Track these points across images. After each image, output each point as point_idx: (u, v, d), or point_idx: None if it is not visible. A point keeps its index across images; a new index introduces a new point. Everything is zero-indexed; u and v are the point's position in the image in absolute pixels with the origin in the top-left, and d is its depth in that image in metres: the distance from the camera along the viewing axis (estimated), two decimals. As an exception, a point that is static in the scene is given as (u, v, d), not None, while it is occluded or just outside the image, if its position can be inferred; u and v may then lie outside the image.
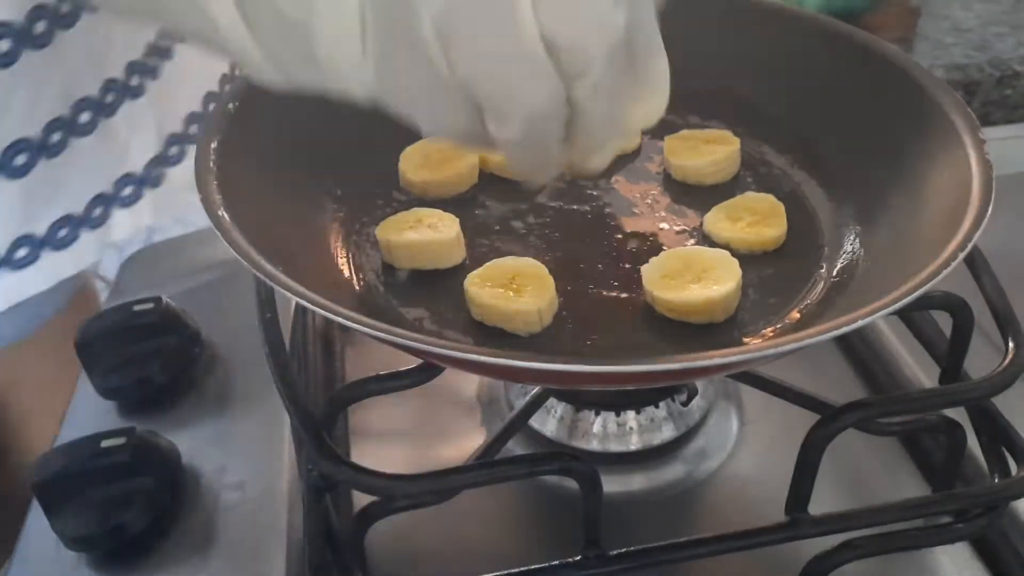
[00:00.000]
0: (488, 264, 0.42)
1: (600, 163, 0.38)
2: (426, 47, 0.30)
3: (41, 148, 0.59)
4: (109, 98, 0.62)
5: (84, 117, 0.61)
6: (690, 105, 0.52)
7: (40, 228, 0.61)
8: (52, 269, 0.62)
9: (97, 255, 0.65)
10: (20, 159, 0.58)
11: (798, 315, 0.41)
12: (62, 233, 0.62)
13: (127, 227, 0.67)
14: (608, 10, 0.31)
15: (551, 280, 0.41)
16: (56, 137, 0.60)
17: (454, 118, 0.33)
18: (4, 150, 0.57)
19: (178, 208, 0.71)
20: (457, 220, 0.44)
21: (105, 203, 0.65)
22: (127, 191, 0.66)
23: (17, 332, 0.66)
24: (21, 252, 0.60)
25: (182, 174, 0.70)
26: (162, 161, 0.69)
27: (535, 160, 0.36)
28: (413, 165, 0.49)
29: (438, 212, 0.45)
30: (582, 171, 0.39)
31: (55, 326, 0.68)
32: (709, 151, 0.49)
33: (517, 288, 0.40)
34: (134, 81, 0.64)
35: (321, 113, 0.48)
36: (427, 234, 0.44)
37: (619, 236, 0.45)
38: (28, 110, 0.57)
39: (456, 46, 0.30)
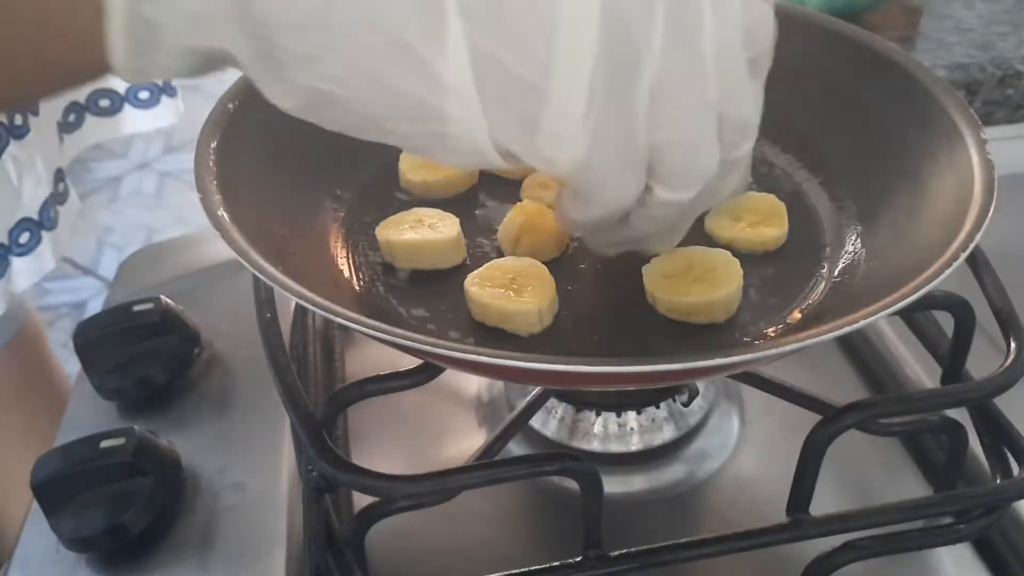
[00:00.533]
0: (488, 264, 0.42)
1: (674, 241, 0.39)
2: (636, 111, 0.30)
3: None
4: None
5: None
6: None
7: None
8: None
9: (1, 309, 0.64)
10: None
11: (799, 315, 0.41)
12: None
13: (28, 276, 0.65)
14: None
15: (551, 280, 0.41)
16: None
17: (634, 188, 0.33)
18: None
19: (69, 248, 0.69)
20: (457, 220, 0.44)
21: (2, 253, 0.63)
22: (23, 238, 0.64)
23: None
24: None
25: (66, 213, 0.69)
26: (55, 198, 0.67)
27: (663, 232, 0.36)
28: (413, 165, 0.48)
29: (438, 212, 0.45)
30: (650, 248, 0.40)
31: None
32: None
33: (517, 288, 0.40)
34: (17, 120, 0.62)
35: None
36: (427, 234, 0.43)
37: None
38: None
39: (662, 110, 0.30)
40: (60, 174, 0.68)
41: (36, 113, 0.64)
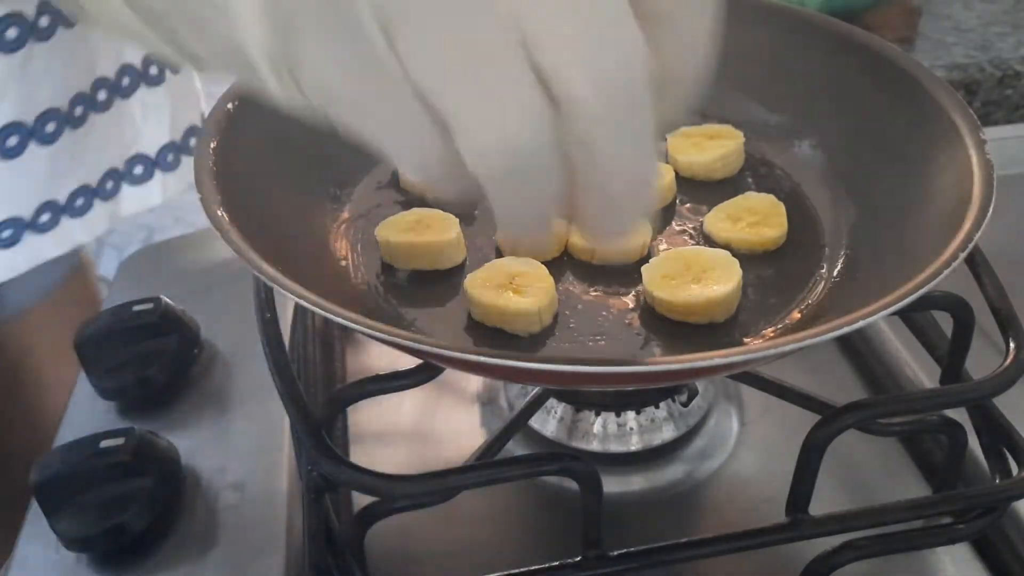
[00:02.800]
0: (488, 264, 0.42)
1: (624, 241, 0.32)
2: (369, 38, 0.23)
3: (67, 119, 0.62)
4: (125, 81, 0.66)
5: (101, 95, 0.64)
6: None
7: (61, 195, 0.64)
8: (69, 235, 0.65)
9: (107, 226, 0.68)
10: (50, 127, 0.61)
11: (798, 315, 0.41)
12: (79, 202, 0.65)
13: (135, 203, 0.70)
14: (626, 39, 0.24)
15: (551, 280, 0.41)
16: (79, 111, 0.63)
17: (419, 140, 0.25)
18: (36, 118, 0.60)
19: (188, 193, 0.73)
20: (457, 220, 0.44)
21: (116, 178, 0.68)
22: (138, 170, 0.69)
23: (27, 299, 0.70)
24: (44, 217, 0.63)
25: (183, 172, 0.73)
26: (178, 148, 0.71)
27: (528, 221, 0.28)
28: None
29: (438, 212, 0.45)
30: (607, 253, 0.34)
31: (57, 299, 0.72)
32: (716, 146, 0.49)
33: (517, 288, 0.40)
34: (152, 70, 0.67)
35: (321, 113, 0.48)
36: (427, 234, 0.43)
37: (619, 236, 0.45)
38: (59, 83, 0.60)
39: (404, 37, 0.23)
40: (193, 131, 0.72)
41: (176, 71, 0.70)
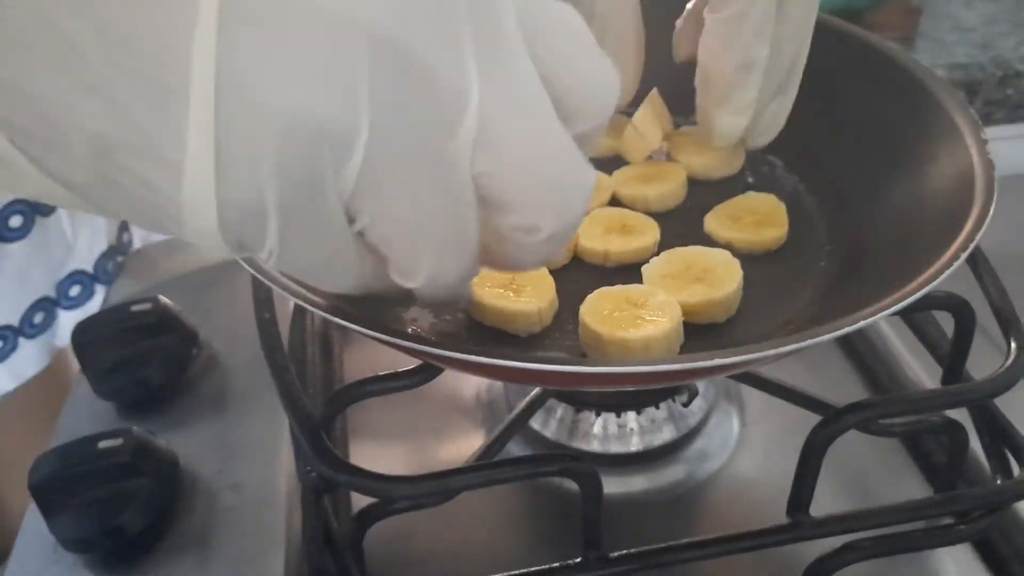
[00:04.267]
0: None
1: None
2: (336, 223, 0.25)
3: None
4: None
5: (15, 221, 0.57)
6: (689, 104, 0.52)
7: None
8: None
9: (45, 362, 0.62)
10: None
11: (799, 315, 0.41)
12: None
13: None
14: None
15: (551, 280, 0.41)
16: None
17: (355, 277, 0.27)
18: None
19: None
20: None
21: (48, 307, 0.61)
22: (74, 291, 0.63)
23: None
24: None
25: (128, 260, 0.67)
26: (113, 252, 0.65)
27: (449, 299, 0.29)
28: None
29: None
30: (620, 254, 0.38)
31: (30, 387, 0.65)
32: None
33: (517, 288, 0.40)
34: None
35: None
36: None
37: (619, 236, 0.45)
38: None
39: (368, 218, 0.25)
40: (125, 224, 0.66)
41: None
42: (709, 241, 0.45)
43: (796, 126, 0.49)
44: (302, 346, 0.50)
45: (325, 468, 0.35)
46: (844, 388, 0.52)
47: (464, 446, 0.49)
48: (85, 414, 0.52)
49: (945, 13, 0.86)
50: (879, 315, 0.32)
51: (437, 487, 0.36)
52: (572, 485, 0.36)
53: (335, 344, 0.55)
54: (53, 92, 0.21)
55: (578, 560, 0.37)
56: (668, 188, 0.47)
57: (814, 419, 0.38)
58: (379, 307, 0.41)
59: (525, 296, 0.40)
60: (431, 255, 0.26)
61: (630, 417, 0.47)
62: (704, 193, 0.48)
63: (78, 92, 0.21)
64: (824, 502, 0.39)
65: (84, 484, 0.44)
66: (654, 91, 0.50)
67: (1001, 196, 0.37)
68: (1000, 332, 0.40)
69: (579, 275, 0.43)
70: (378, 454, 0.50)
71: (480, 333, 0.40)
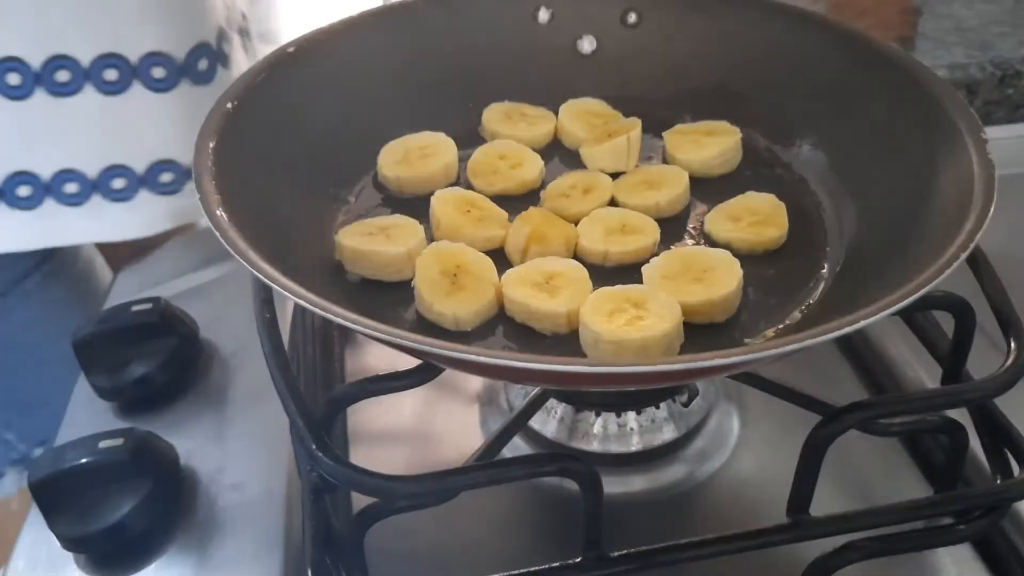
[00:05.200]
0: (527, 264, 0.42)
1: None
2: None
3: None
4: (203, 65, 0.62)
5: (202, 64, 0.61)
6: (687, 103, 0.52)
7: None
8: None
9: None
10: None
11: (799, 315, 0.41)
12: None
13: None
14: None
15: (589, 283, 0.41)
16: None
17: None
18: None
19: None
20: (419, 232, 0.44)
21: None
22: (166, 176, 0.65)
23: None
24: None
25: None
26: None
27: None
28: (390, 161, 0.48)
29: (406, 222, 0.44)
30: (620, 254, 0.39)
31: None
32: (714, 143, 0.49)
33: (552, 288, 0.40)
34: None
35: (319, 113, 0.48)
36: (378, 244, 0.42)
37: (619, 236, 0.45)
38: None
39: None
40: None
41: None
42: (709, 241, 0.45)
43: (796, 126, 0.50)
44: (303, 346, 0.51)
45: (326, 467, 0.35)
46: (844, 388, 0.52)
47: (465, 446, 0.49)
48: (86, 414, 0.52)
49: (945, 13, 0.86)
50: (879, 315, 0.32)
51: (437, 487, 0.36)
52: (572, 485, 0.36)
53: (336, 344, 0.55)
54: None
55: (578, 560, 0.37)
56: (677, 192, 0.47)
57: (814, 419, 0.38)
58: (379, 307, 0.42)
59: (559, 297, 0.40)
60: None
61: (630, 417, 0.47)
62: (704, 192, 0.48)
63: None
64: (824, 502, 0.39)
65: (85, 483, 0.44)
66: (638, 125, 0.49)
67: (1001, 196, 0.37)
68: (1000, 332, 0.40)
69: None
70: (378, 454, 0.50)
71: (480, 333, 0.40)
